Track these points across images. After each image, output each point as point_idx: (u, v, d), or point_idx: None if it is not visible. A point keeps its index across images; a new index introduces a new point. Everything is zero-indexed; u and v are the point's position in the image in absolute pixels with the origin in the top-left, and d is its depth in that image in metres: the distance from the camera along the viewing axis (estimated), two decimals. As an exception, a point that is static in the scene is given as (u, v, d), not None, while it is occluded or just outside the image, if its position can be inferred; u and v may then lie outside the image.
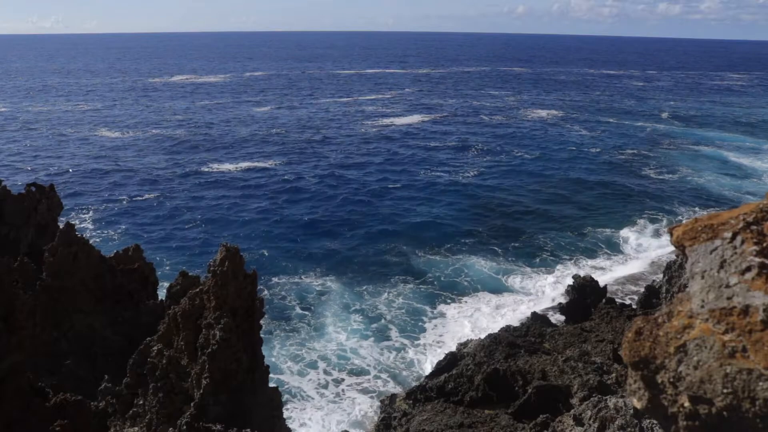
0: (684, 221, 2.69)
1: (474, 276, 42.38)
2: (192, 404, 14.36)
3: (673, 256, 28.80)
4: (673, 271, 25.02)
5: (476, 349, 23.11)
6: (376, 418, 23.49)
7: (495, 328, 30.82)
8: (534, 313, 29.91)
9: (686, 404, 2.17)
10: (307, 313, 37.24)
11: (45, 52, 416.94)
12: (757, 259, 2.19)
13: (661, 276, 29.20)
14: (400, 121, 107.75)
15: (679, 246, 2.52)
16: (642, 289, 32.83)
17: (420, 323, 35.93)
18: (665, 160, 79.42)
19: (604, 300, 28.99)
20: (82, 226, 51.12)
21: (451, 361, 23.53)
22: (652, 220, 54.66)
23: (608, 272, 42.85)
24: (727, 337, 2.11)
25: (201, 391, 14.36)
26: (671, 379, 2.22)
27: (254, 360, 15.49)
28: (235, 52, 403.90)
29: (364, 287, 40.87)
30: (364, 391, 28.84)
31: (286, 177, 69.55)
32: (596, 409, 12.95)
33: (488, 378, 19.47)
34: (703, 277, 2.31)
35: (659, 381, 2.26)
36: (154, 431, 14.84)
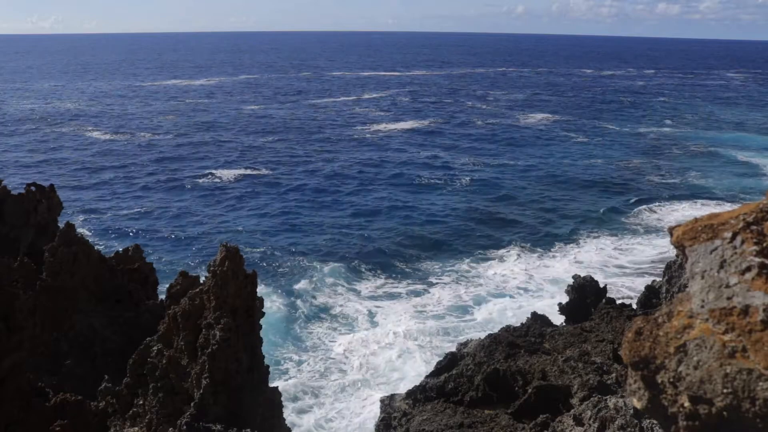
0: (684, 221, 2.69)
1: (472, 272, 42.41)
2: (192, 404, 14.36)
3: (673, 256, 28.77)
4: (673, 271, 24.99)
5: (476, 349, 23.08)
6: (376, 418, 23.47)
7: (495, 327, 30.82)
8: (534, 313, 29.82)
9: (686, 404, 2.17)
10: (307, 308, 37.26)
11: (43, 52, 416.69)
12: (757, 259, 2.19)
13: (661, 276, 29.17)
14: (396, 124, 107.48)
15: (679, 246, 2.52)
16: (642, 289, 32.76)
17: (417, 318, 35.93)
18: (665, 160, 79.41)
19: (604, 300, 28.91)
20: (81, 225, 51.09)
21: (451, 361, 23.50)
22: (652, 220, 54.65)
23: (608, 271, 42.84)
24: (727, 337, 2.11)
25: (201, 391, 14.35)
26: (671, 379, 2.22)
27: (254, 360, 15.49)
28: (233, 52, 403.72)
29: (363, 284, 40.87)
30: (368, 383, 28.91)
31: (284, 178, 69.56)
32: (596, 409, 12.94)
33: (488, 378, 19.44)
34: (703, 277, 2.31)
35: (659, 381, 2.26)
36: (154, 431, 14.84)
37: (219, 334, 14.36)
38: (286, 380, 29.63)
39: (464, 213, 56.68)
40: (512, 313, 36.35)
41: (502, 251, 46.98)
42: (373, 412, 26.74)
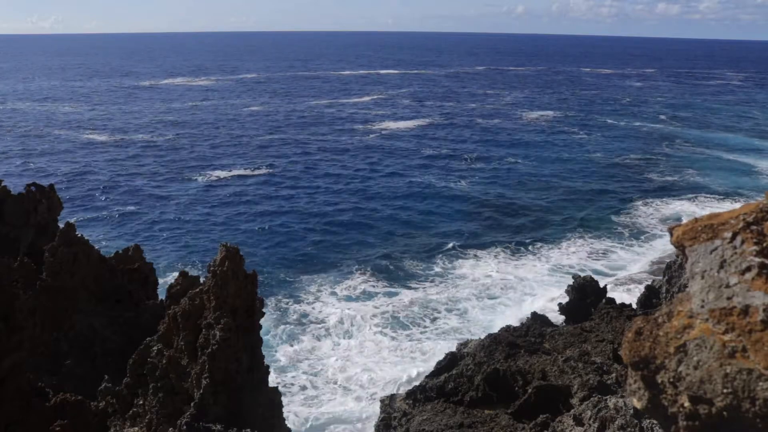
0: (684, 221, 2.69)
1: (472, 273, 42.41)
2: (192, 404, 14.36)
3: (673, 256, 28.77)
4: (673, 271, 25.03)
5: (476, 349, 23.09)
6: (376, 418, 23.47)
7: (494, 327, 30.82)
8: (534, 313, 29.84)
9: (686, 404, 2.17)
10: (308, 309, 37.25)
11: (43, 52, 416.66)
12: (757, 259, 2.19)
13: (661, 276, 29.20)
14: (396, 124, 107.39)
15: (679, 246, 2.52)
16: (642, 289, 32.78)
17: (415, 320, 35.92)
18: (664, 160, 79.40)
19: (604, 300, 28.94)
20: (81, 225, 51.08)
21: (451, 361, 23.51)
22: (651, 220, 54.64)
23: (608, 272, 42.83)
24: (727, 337, 2.11)
25: (201, 391, 14.35)
26: (671, 379, 2.22)
27: (254, 360, 15.49)
28: (233, 52, 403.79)
29: (350, 283, 40.86)
30: (366, 385, 28.85)
31: (283, 179, 69.57)
32: (596, 409, 12.95)
33: (488, 378, 19.45)
34: (703, 277, 2.31)
35: (659, 381, 2.26)
36: (154, 431, 14.84)
37: (219, 334, 14.36)
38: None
39: (461, 212, 56.68)
40: (507, 313, 36.38)
41: (499, 251, 46.95)
42: (345, 416, 26.73)
